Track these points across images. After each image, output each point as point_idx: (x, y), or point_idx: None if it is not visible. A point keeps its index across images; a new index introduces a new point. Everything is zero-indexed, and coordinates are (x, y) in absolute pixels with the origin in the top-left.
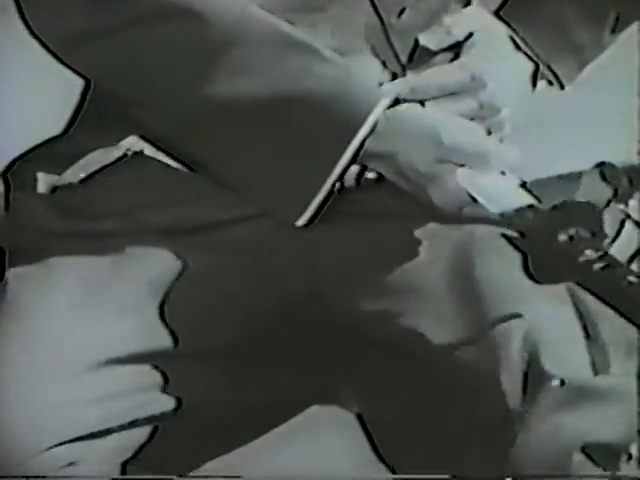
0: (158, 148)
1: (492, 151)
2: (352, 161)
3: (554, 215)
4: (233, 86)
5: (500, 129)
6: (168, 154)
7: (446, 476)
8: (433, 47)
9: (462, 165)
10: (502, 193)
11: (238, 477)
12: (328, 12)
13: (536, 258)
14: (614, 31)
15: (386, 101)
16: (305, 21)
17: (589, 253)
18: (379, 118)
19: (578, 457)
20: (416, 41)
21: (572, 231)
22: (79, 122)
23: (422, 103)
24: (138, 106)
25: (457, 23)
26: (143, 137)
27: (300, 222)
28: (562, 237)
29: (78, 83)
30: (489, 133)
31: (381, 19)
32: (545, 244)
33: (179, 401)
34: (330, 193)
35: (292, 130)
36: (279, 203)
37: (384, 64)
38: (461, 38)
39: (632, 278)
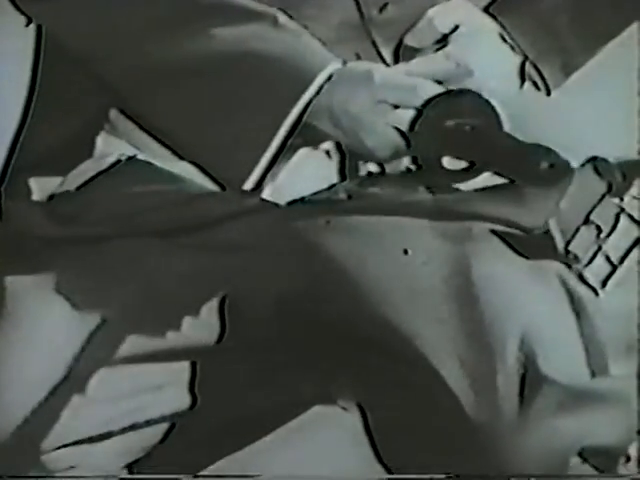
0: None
1: (421, 84)
2: (297, 122)
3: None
4: (186, 48)
5: None
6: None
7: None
8: (419, 45)
9: (397, 107)
10: None
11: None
12: (304, 12)
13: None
14: (603, 36)
15: (335, 65)
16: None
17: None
18: (331, 76)
19: (575, 460)
20: (400, 40)
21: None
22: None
23: None
24: (97, 63)
25: (442, 15)
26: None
27: (247, 186)
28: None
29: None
30: None
31: (361, 14)
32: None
33: (176, 404)
34: (277, 154)
35: (240, 92)
36: (227, 165)
37: (358, 56)
38: (446, 31)
39: None
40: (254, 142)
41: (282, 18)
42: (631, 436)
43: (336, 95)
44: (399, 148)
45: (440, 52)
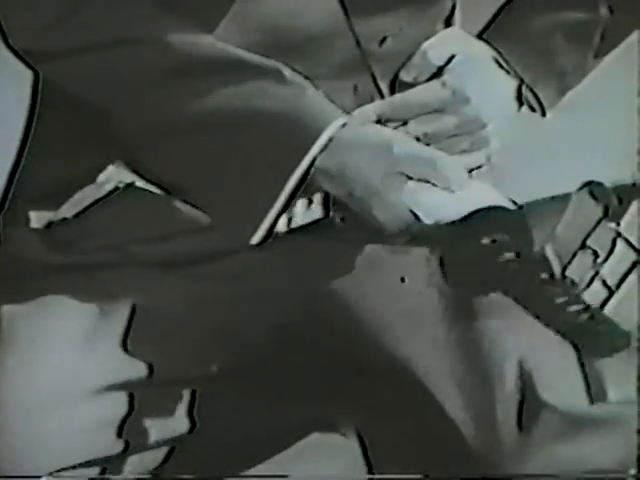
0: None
1: (441, 159)
2: (303, 179)
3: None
4: (190, 104)
5: (486, 144)
6: (142, 177)
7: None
8: (414, 80)
9: (411, 178)
10: (439, 206)
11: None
12: (306, 53)
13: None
14: (597, 56)
15: (339, 121)
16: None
17: (508, 255)
18: (333, 137)
19: None
20: (396, 75)
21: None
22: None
23: (405, 123)
24: (109, 118)
25: (436, 48)
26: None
27: (254, 240)
28: (484, 241)
29: (27, 75)
30: (475, 149)
31: (361, 48)
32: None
33: (175, 428)
34: (282, 211)
35: (246, 148)
36: (234, 220)
37: (355, 88)
38: (441, 63)
39: (543, 275)
40: (260, 199)
41: (287, 72)
42: (630, 461)
43: (350, 161)
44: (410, 226)
45: (436, 81)
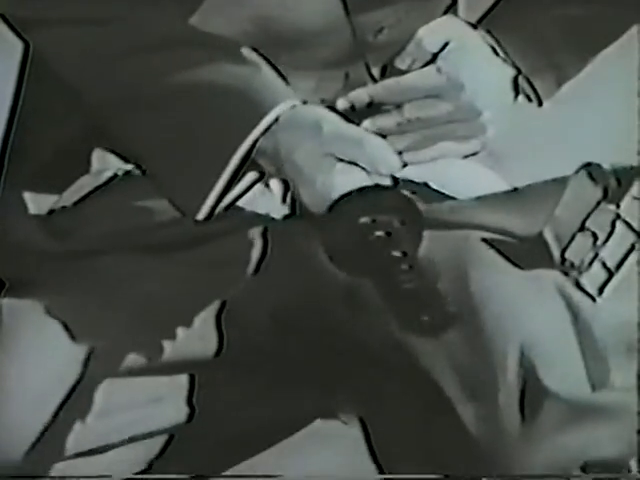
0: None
1: (368, 139)
2: (246, 157)
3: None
4: (151, 80)
5: (482, 132)
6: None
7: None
8: (409, 68)
9: (341, 160)
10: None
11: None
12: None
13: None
14: (596, 49)
15: (288, 103)
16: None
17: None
18: (279, 118)
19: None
20: (389, 63)
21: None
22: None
23: (399, 106)
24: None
25: (431, 35)
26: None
27: (200, 216)
28: (378, 233)
29: (18, 47)
30: (471, 136)
31: (356, 37)
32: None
33: (174, 416)
34: (227, 188)
35: (198, 124)
36: (181, 195)
37: (346, 75)
38: (436, 50)
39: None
40: (206, 174)
41: (244, 50)
42: (632, 450)
43: (283, 139)
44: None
45: (431, 66)
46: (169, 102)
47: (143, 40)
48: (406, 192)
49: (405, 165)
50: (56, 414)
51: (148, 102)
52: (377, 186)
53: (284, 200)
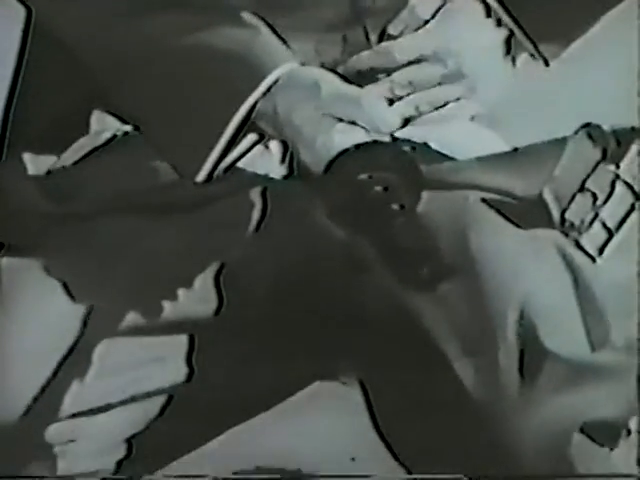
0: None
1: (366, 98)
2: (245, 120)
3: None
4: (148, 37)
5: (471, 94)
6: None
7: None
8: (401, 34)
9: (340, 120)
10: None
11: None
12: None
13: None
14: (600, 10)
15: (288, 65)
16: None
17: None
18: (278, 80)
19: (578, 436)
20: (384, 29)
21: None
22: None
23: (389, 72)
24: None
25: (424, 1)
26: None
27: (199, 178)
28: (376, 188)
29: (20, 12)
30: (461, 97)
31: (354, 3)
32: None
33: (174, 376)
34: (226, 150)
35: (196, 86)
36: (180, 157)
37: (344, 39)
38: (428, 17)
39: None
40: (205, 137)
41: (244, 14)
42: (632, 409)
43: (282, 101)
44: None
45: (422, 30)
46: (169, 65)
47: (143, 4)
48: (405, 148)
49: (405, 124)
50: (54, 374)
51: (148, 65)
52: (375, 142)
53: (283, 161)
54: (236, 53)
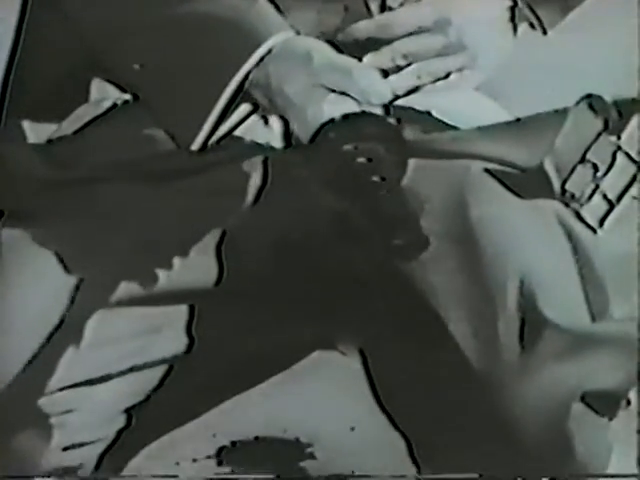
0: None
1: (358, 68)
2: (239, 90)
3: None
4: (146, 10)
5: (473, 64)
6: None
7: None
8: (400, 6)
9: (333, 91)
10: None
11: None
12: None
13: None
14: None
15: (282, 35)
16: None
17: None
18: (272, 49)
19: (577, 406)
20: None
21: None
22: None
23: (389, 42)
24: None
25: None
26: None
27: (194, 146)
28: (360, 159)
29: None
30: (462, 68)
31: None
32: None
33: (174, 346)
34: (220, 119)
35: (190, 54)
36: (175, 125)
37: (346, 8)
38: None
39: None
40: (199, 105)
41: None
42: (632, 380)
43: (274, 71)
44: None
45: (422, 2)
46: (164, 33)
47: None
48: (391, 120)
49: (397, 97)
50: (48, 341)
51: (142, 33)
52: (363, 113)
53: (284, 137)
54: (233, 20)
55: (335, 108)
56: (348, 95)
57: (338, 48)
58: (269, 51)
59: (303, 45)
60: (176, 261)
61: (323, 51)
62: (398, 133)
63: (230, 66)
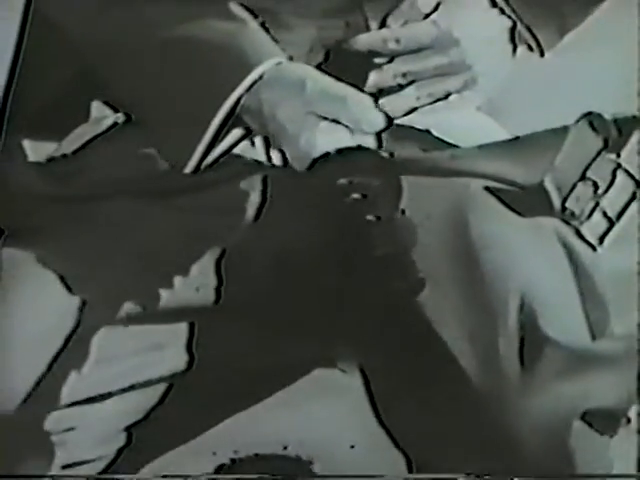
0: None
1: (351, 96)
2: (230, 114)
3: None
4: (140, 33)
5: (473, 85)
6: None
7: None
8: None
9: (326, 118)
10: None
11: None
12: None
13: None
14: (597, 1)
15: (274, 60)
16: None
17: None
18: (263, 74)
19: (577, 424)
20: (384, 20)
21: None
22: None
23: (391, 59)
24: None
25: None
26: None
27: (187, 169)
28: (355, 195)
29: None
30: (462, 89)
31: None
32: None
33: (174, 364)
34: (212, 143)
35: (182, 78)
36: (169, 148)
37: (347, 24)
38: (428, 10)
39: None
40: (192, 129)
41: (232, 5)
42: (632, 398)
43: (267, 97)
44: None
45: (427, 20)
46: (156, 56)
47: None
48: (384, 154)
49: (390, 124)
50: (52, 363)
51: (135, 55)
52: (358, 147)
53: (268, 158)
54: (226, 45)
55: (328, 137)
56: (340, 123)
57: (330, 75)
58: (260, 77)
59: (296, 72)
60: (177, 279)
61: (316, 78)
62: (393, 167)
63: (222, 91)
